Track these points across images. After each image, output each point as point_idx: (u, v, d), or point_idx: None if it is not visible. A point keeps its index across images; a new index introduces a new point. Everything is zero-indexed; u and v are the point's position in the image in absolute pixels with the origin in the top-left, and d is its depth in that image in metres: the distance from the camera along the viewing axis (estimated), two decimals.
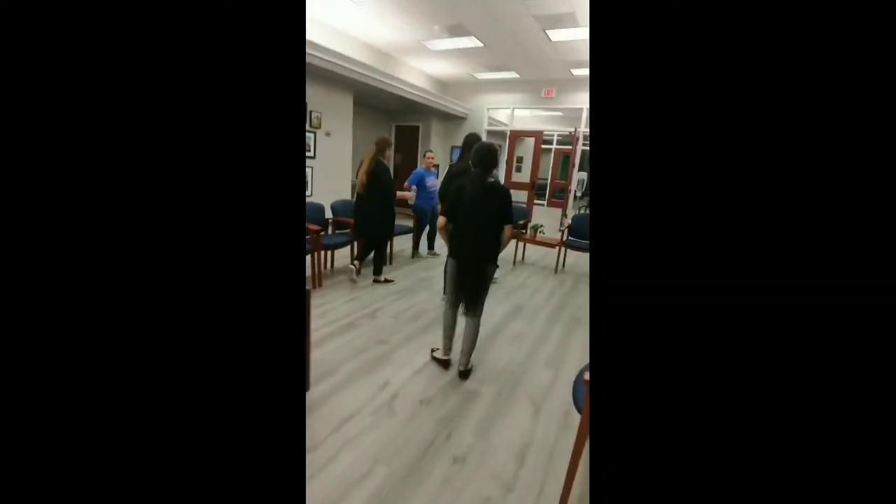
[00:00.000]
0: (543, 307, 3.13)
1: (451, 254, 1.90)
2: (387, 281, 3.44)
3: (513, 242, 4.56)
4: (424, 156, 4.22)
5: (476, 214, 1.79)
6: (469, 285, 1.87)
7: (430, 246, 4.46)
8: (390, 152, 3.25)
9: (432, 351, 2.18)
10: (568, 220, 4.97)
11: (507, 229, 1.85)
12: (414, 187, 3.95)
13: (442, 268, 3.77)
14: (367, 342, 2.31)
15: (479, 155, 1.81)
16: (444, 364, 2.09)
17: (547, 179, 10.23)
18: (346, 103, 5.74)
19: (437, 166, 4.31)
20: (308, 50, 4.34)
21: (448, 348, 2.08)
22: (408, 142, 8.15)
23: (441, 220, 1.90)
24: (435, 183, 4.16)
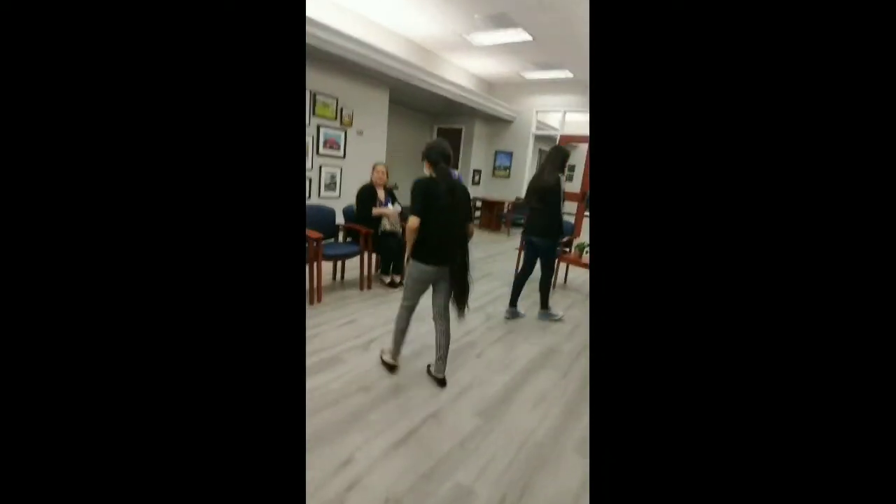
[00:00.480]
0: (583, 353, 2.46)
1: (418, 257, 1.79)
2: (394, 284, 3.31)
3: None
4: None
5: (446, 212, 1.75)
6: (458, 288, 1.82)
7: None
8: (378, 176, 3.22)
9: (381, 353, 2.09)
10: None
11: (470, 227, 1.89)
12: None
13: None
14: (345, 387, 1.82)
15: (436, 151, 1.80)
16: (392, 368, 2.01)
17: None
18: (381, 101, 5.39)
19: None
20: (338, 41, 4.01)
21: (397, 353, 2.01)
22: (450, 145, 7.70)
23: (414, 220, 1.73)
24: None
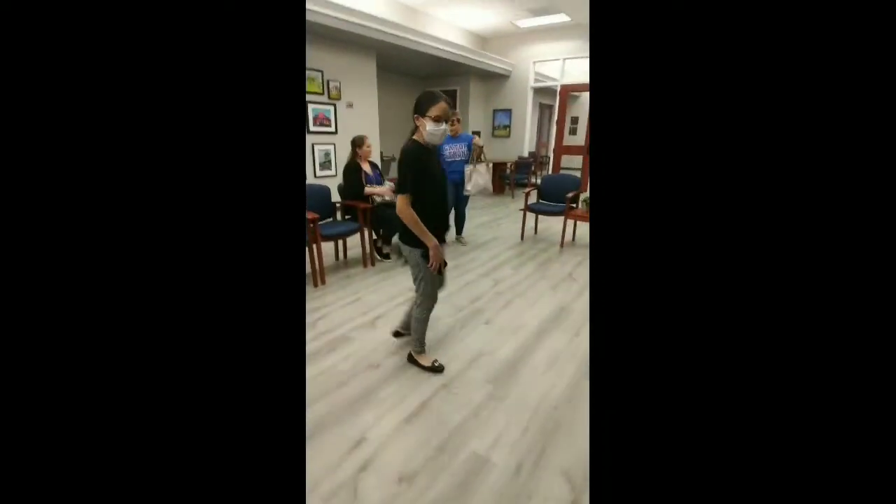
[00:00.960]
0: None
1: (424, 242, 1.49)
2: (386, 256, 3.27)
3: (560, 220, 3.77)
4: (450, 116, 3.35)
5: (439, 179, 1.55)
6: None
7: (459, 230, 3.74)
8: (363, 150, 3.08)
9: (414, 358, 1.81)
10: None
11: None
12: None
13: (463, 259, 3.19)
14: (354, 366, 1.80)
15: (417, 105, 1.47)
16: (439, 369, 1.76)
17: None
18: (368, 69, 5.13)
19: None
20: (319, 8, 3.76)
21: (423, 347, 1.82)
22: None
23: (403, 200, 1.44)
24: (457, 152, 3.35)
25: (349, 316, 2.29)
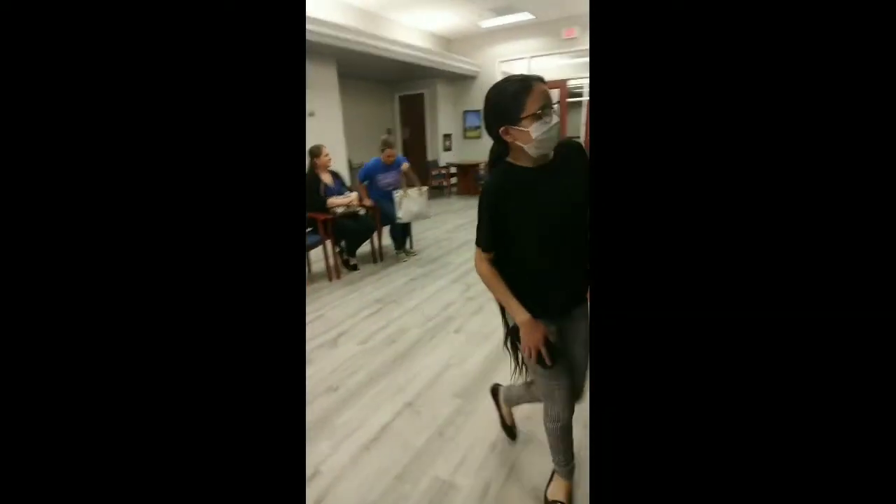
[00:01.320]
0: None
1: (519, 318, 0.94)
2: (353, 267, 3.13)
3: None
4: (383, 150, 3.20)
5: (550, 214, 0.91)
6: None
7: (399, 245, 3.47)
8: (321, 160, 2.98)
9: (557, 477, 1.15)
10: None
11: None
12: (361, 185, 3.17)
13: (413, 270, 3.10)
14: (311, 390, 1.67)
15: (500, 107, 0.88)
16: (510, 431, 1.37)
17: (580, 139, 8.93)
18: (328, 77, 5.00)
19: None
20: None
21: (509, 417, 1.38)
22: (414, 113, 7.32)
23: (478, 253, 0.98)
24: (391, 182, 3.25)
25: (311, 334, 2.15)
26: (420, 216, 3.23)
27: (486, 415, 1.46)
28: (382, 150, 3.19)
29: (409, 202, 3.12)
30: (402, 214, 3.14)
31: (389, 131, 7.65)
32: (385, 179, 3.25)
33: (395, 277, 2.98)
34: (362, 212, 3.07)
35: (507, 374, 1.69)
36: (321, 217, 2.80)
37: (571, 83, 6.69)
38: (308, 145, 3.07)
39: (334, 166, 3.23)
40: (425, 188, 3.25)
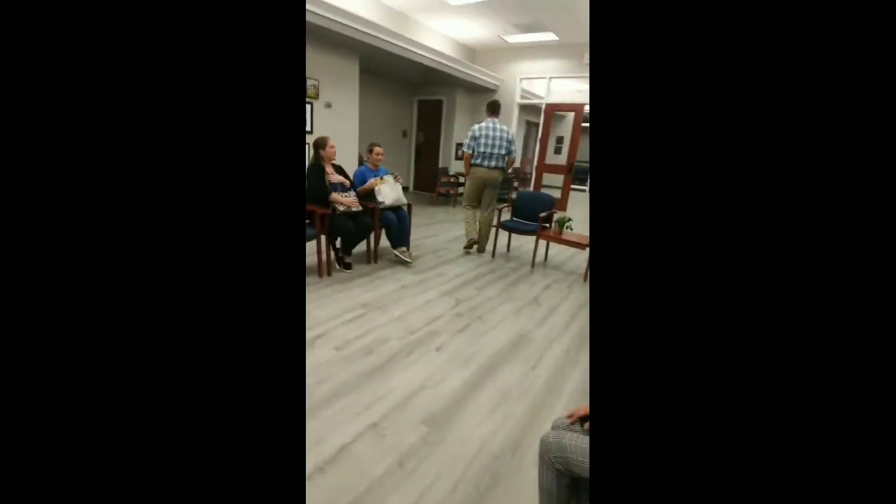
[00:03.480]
0: (556, 340, 2.24)
1: None
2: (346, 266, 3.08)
3: (531, 239, 3.63)
4: (371, 150, 3.31)
5: None
6: None
7: (395, 244, 3.37)
8: (326, 151, 2.92)
9: None
10: None
11: None
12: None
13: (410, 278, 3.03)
14: None
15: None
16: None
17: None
18: (350, 70, 4.96)
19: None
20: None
21: None
22: (430, 118, 7.29)
23: None
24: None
25: None
26: (399, 201, 3.30)
27: (453, 449, 1.37)
28: (367, 157, 3.30)
29: (386, 188, 3.21)
30: (382, 199, 3.18)
31: (405, 133, 7.62)
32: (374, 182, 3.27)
33: (386, 282, 2.90)
34: (359, 208, 3.00)
35: (485, 400, 1.60)
36: (319, 211, 2.73)
37: (588, 109, 6.65)
38: (322, 135, 3.03)
39: (345, 161, 3.16)
40: (399, 178, 3.35)
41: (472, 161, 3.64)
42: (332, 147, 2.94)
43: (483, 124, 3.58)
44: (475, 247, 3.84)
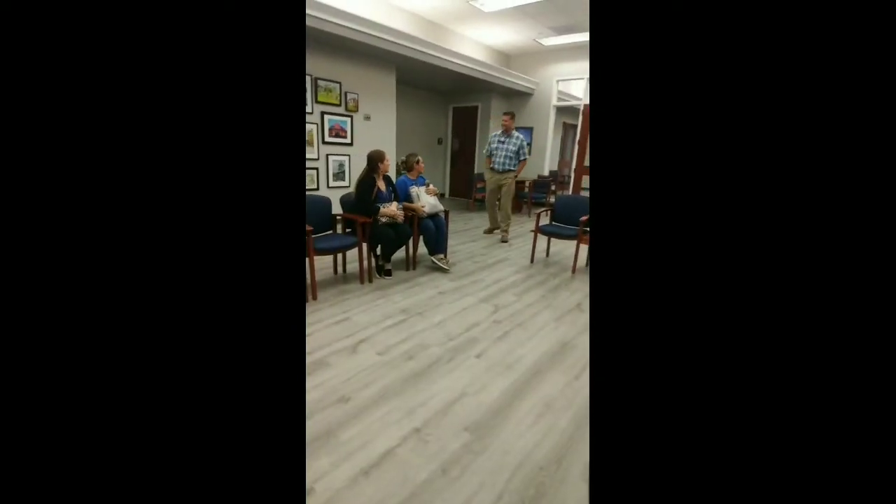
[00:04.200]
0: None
1: None
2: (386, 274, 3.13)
3: (571, 244, 3.53)
4: (413, 161, 3.46)
5: None
6: None
7: (432, 251, 3.44)
8: (383, 166, 3.04)
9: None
10: None
11: None
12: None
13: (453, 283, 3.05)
14: (324, 397, 1.64)
15: None
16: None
17: None
18: (387, 82, 5.12)
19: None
20: (340, 21, 3.76)
21: None
22: (466, 124, 7.33)
23: None
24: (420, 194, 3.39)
25: (334, 336, 2.14)
26: (436, 208, 3.41)
27: (496, 458, 1.36)
28: (409, 170, 3.42)
29: (425, 197, 3.35)
30: (422, 204, 3.30)
31: (440, 141, 7.71)
32: (415, 189, 3.39)
33: (424, 288, 2.94)
34: (401, 220, 3.07)
35: (528, 410, 1.58)
36: (361, 219, 2.82)
37: None
38: (363, 149, 3.15)
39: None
40: (432, 187, 3.48)
41: (490, 165, 4.48)
42: (388, 161, 3.05)
43: (495, 133, 4.43)
44: (497, 233, 4.73)
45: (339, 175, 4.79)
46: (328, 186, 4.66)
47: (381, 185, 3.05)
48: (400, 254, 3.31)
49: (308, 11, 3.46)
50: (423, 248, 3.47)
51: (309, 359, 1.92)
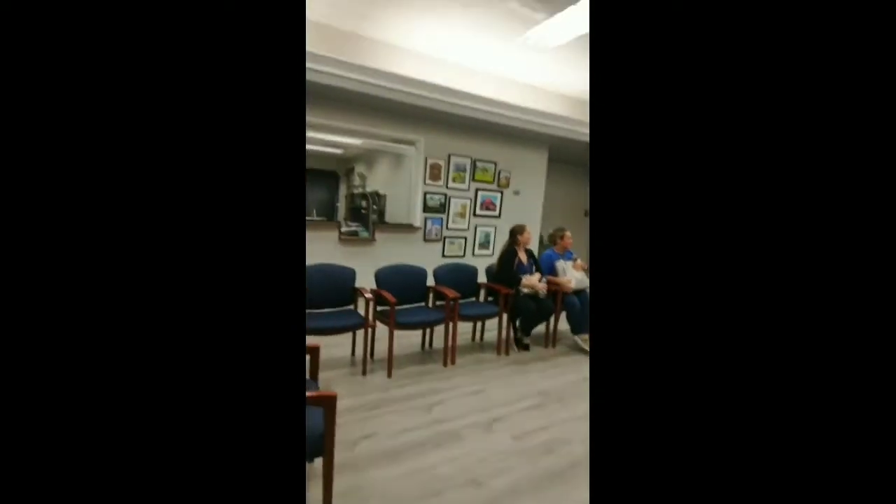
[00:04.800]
0: None
1: None
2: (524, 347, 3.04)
3: None
4: (559, 235, 3.39)
5: None
6: None
7: (576, 329, 3.21)
8: (524, 237, 3.08)
9: None
10: None
11: None
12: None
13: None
14: (455, 475, 1.56)
15: None
16: None
17: None
18: (539, 160, 5.37)
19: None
20: (497, 109, 4.24)
21: None
22: None
23: None
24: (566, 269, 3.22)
25: (468, 408, 2.09)
26: (583, 283, 3.22)
27: None
28: (555, 243, 3.38)
29: (571, 271, 3.20)
30: (569, 278, 3.15)
31: (587, 212, 7.49)
32: (562, 265, 3.27)
33: (565, 370, 2.68)
34: (544, 294, 2.97)
35: None
36: (504, 290, 2.84)
37: None
38: (512, 223, 3.30)
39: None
40: (580, 262, 3.31)
41: None
42: (530, 234, 3.12)
43: None
44: None
45: (485, 244, 5.04)
46: (473, 255, 4.93)
47: (523, 256, 3.05)
48: (540, 329, 3.16)
49: (472, 104, 3.99)
50: (564, 325, 3.24)
51: (442, 427, 1.90)
